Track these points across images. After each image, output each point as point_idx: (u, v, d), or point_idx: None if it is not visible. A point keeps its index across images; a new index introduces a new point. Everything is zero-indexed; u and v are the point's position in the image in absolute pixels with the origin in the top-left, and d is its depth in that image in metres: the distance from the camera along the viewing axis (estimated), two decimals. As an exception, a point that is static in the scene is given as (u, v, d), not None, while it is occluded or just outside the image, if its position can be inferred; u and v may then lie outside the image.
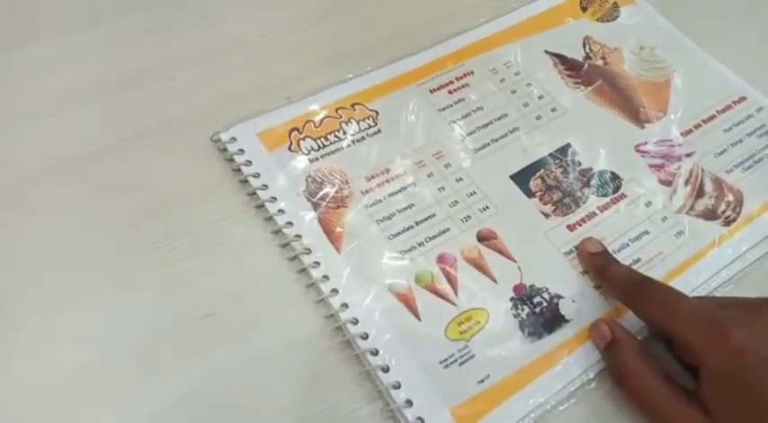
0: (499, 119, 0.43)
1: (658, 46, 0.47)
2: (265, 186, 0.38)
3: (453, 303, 0.35)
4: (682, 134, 0.43)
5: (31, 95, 0.41)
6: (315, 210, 0.38)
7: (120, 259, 0.36)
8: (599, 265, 0.37)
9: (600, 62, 0.46)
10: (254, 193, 0.38)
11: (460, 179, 0.40)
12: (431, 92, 0.43)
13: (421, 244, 0.37)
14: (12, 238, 0.36)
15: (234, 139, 0.39)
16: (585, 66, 0.46)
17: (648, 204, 0.40)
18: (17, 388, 0.32)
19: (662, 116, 0.44)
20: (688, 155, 0.42)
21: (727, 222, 0.40)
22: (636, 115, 0.44)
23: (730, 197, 0.41)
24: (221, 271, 0.36)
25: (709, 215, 0.40)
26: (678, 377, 0.32)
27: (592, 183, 0.41)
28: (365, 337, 0.33)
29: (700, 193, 0.41)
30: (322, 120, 0.41)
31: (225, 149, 0.39)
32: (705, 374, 0.30)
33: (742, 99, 0.45)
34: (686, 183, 0.41)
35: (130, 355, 0.33)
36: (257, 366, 0.33)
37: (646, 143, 0.42)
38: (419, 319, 0.34)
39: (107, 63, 0.43)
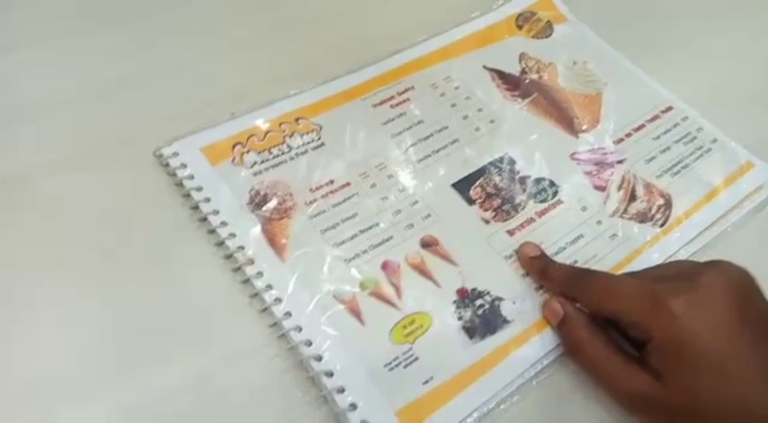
0: (440, 131, 0.44)
1: (590, 60, 0.49)
2: (208, 199, 0.38)
3: (397, 308, 0.36)
4: (614, 142, 0.45)
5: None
6: (259, 221, 0.38)
7: (65, 274, 0.35)
8: (539, 268, 0.38)
9: (535, 76, 0.48)
10: (198, 207, 0.38)
11: (403, 189, 0.41)
12: (373, 106, 0.44)
13: (365, 252, 0.38)
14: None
15: (176, 153, 0.40)
16: (522, 80, 0.48)
17: (584, 209, 0.42)
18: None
19: (595, 126, 0.46)
20: (620, 162, 0.44)
21: (658, 225, 0.41)
22: (570, 125, 0.46)
23: (660, 201, 0.42)
24: (166, 284, 0.35)
25: (642, 218, 0.42)
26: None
27: (530, 190, 0.42)
28: (309, 343, 0.34)
29: (632, 197, 0.43)
30: (265, 134, 0.42)
31: (167, 164, 0.39)
32: (653, 345, 0.32)
33: (669, 108, 0.47)
34: (619, 188, 0.43)
35: (76, 370, 0.32)
36: (204, 378, 0.33)
37: (580, 152, 0.44)
38: (363, 324, 0.35)
39: (49, 82, 0.43)
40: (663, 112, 0.47)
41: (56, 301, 0.34)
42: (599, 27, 0.51)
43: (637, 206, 0.42)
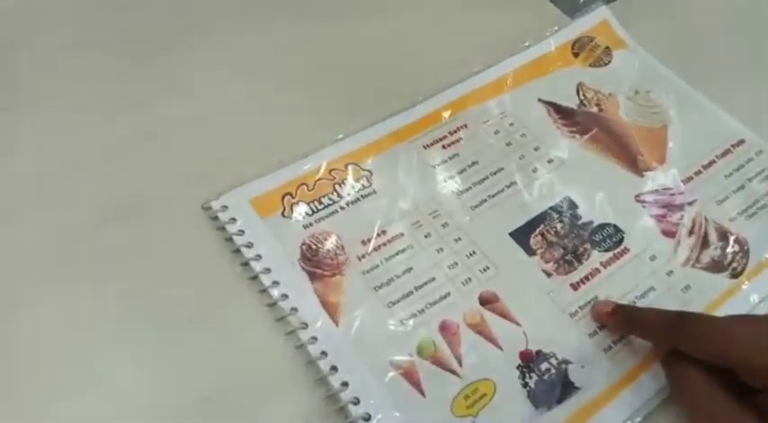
0: (495, 173, 0.42)
1: (653, 90, 0.46)
2: (259, 256, 0.37)
3: (458, 375, 0.34)
4: (682, 181, 0.42)
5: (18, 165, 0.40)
6: (311, 279, 0.36)
7: (113, 339, 0.34)
8: (625, 318, 0.36)
9: (595, 109, 0.45)
10: (248, 264, 0.37)
11: (459, 239, 0.39)
12: (424, 148, 0.43)
13: (422, 311, 0.36)
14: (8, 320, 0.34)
15: (225, 207, 0.38)
16: (580, 113, 0.45)
17: (653, 258, 0.39)
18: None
19: (661, 163, 0.43)
20: (690, 203, 0.41)
21: (734, 274, 0.39)
22: (634, 163, 0.43)
23: (736, 247, 0.40)
24: (216, 349, 0.34)
25: (716, 267, 0.39)
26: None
27: (594, 237, 0.40)
28: (367, 417, 0.32)
29: (704, 243, 0.40)
30: (315, 182, 0.40)
31: (217, 218, 0.38)
32: None
33: (741, 142, 0.44)
34: (690, 233, 0.40)
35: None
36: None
37: (645, 192, 0.42)
38: (424, 396, 0.33)
39: (92, 134, 0.42)
40: (734, 145, 0.44)
41: (106, 371, 0.33)
42: (662, 53, 0.48)
43: (710, 253, 0.39)
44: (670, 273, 0.38)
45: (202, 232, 0.38)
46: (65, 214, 0.38)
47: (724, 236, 0.40)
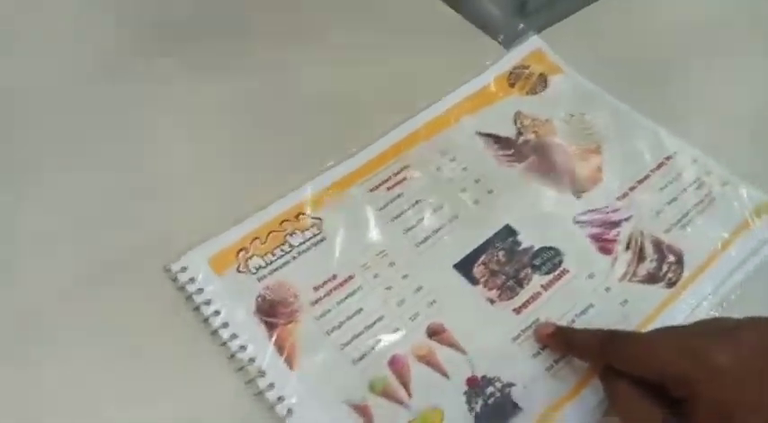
0: (437, 209, 0.44)
1: (588, 111, 0.49)
2: (218, 312, 0.39)
3: (407, 406, 0.36)
4: (618, 198, 0.44)
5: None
6: (267, 328, 0.39)
7: (84, 392, 0.37)
8: (563, 340, 0.38)
9: (532, 136, 0.48)
10: (208, 320, 0.39)
11: (406, 276, 0.41)
12: (370, 191, 0.45)
13: (372, 349, 0.38)
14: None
15: (185, 268, 0.41)
16: (518, 142, 0.47)
17: (591, 276, 0.41)
18: None
19: (597, 183, 0.45)
20: (626, 219, 0.43)
21: (670, 284, 0.40)
22: (572, 185, 0.45)
23: (671, 258, 0.41)
24: (182, 400, 0.37)
25: (652, 279, 0.41)
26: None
27: (534, 262, 0.42)
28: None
29: (641, 257, 0.42)
30: (267, 235, 0.43)
31: (176, 279, 0.41)
32: (697, 401, 0.31)
33: (674, 154, 0.46)
34: (626, 248, 0.42)
35: None
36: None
37: (583, 213, 0.44)
38: (382, 429, 0.36)
39: (51, 203, 0.45)
40: (668, 158, 0.46)
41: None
42: (596, 75, 0.50)
43: (646, 267, 0.41)
44: (608, 289, 0.40)
45: (166, 293, 0.41)
46: (33, 288, 0.41)
47: (659, 248, 0.42)
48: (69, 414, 0.37)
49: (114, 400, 0.37)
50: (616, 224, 0.43)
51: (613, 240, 0.42)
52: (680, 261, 0.41)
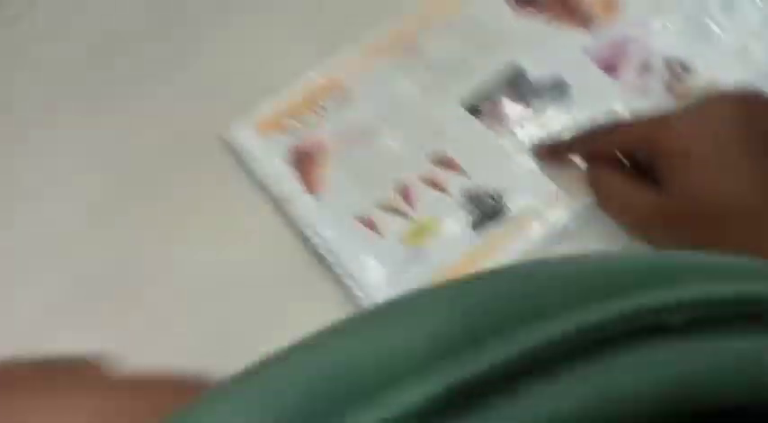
0: (455, 63, 0.47)
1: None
2: (260, 162, 0.47)
3: (408, 217, 0.41)
4: (632, 27, 0.44)
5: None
6: (299, 171, 0.45)
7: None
8: (555, 146, 0.41)
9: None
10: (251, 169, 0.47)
11: (420, 121, 0.45)
12: (395, 58, 0.49)
13: (383, 176, 0.43)
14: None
15: (235, 133, 0.49)
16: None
17: (596, 100, 0.42)
18: None
19: (610, 14, 0.45)
20: (637, 43, 0.43)
21: (679, 96, 0.40)
22: (583, 18, 0.46)
23: (678, 70, 0.41)
24: (221, 225, 0.45)
25: (659, 93, 0.41)
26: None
27: (541, 94, 0.44)
28: (338, 255, 0.40)
29: (647, 71, 0.42)
30: (303, 101, 0.49)
31: (229, 141, 0.49)
32: (658, 159, 0.34)
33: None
34: (635, 68, 0.42)
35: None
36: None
37: (592, 44, 0.44)
38: (382, 236, 0.40)
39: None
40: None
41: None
42: None
43: (655, 78, 0.41)
44: (611, 111, 0.41)
45: (220, 153, 0.49)
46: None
47: (668, 62, 0.42)
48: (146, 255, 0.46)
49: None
50: (625, 48, 0.43)
51: (620, 64, 0.43)
52: (688, 70, 0.41)
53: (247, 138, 0.48)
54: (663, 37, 0.43)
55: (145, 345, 0.39)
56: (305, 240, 0.42)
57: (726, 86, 0.37)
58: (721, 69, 0.40)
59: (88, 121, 0.52)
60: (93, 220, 0.47)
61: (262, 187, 0.46)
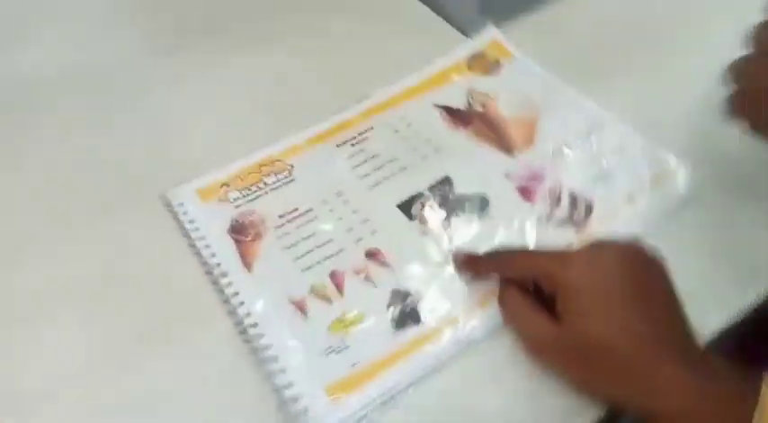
0: (391, 161, 0.52)
1: (532, 89, 0.56)
2: (198, 229, 0.49)
3: (337, 305, 0.44)
4: (546, 159, 0.51)
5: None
6: (236, 243, 0.48)
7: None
8: (473, 263, 0.45)
9: (479, 108, 0.55)
10: (189, 234, 0.49)
11: (356, 211, 0.49)
12: (337, 146, 0.54)
13: (318, 263, 0.46)
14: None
15: (177, 195, 0.51)
16: (466, 112, 0.55)
17: (510, 220, 0.48)
18: None
19: (530, 145, 0.52)
20: (551, 175, 0.50)
21: (578, 228, 0.47)
22: (507, 146, 0.52)
23: (582, 207, 0.48)
24: (158, 292, 0.46)
25: (563, 223, 0.47)
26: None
27: (465, 206, 0.49)
28: (262, 336, 0.42)
29: (556, 204, 0.48)
30: (248, 175, 0.52)
31: (169, 203, 0.50)
32: (559, 293, 0.38)
33: (601, 125, 0.53)
34: (546, 197, 0.49)
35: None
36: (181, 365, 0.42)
37: (514, 170, 0.51)
38: (306, 318, 0.43)
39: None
40: (597, 128, 0.53)
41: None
42: (545, 62, 0.58)
43: (561, 212, 0.48)
44: (522, 230, 0.47)
45: (159, 213, 0.50)
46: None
47: (574, 198, 0.49)
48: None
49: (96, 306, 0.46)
50: (541, 178, 0.50)
51: (535, 190, 0.49)
52: (590, 210, 0.48)
53: (189, 200, 0.50)
54: (571, 173, 0.50)
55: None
56: (230, 312, 0.45)
57: (615, 234, 0.44)
58: (613, 213, 0.48)
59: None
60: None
61: (195, 252, 0.48)
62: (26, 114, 0.58)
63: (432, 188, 0.50)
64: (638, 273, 0.38)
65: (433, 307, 0.44)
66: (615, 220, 0.47)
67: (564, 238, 0.47)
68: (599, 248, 0.40)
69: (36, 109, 0.59)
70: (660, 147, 0.51)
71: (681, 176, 0.49)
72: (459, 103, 0.56)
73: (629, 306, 0.37)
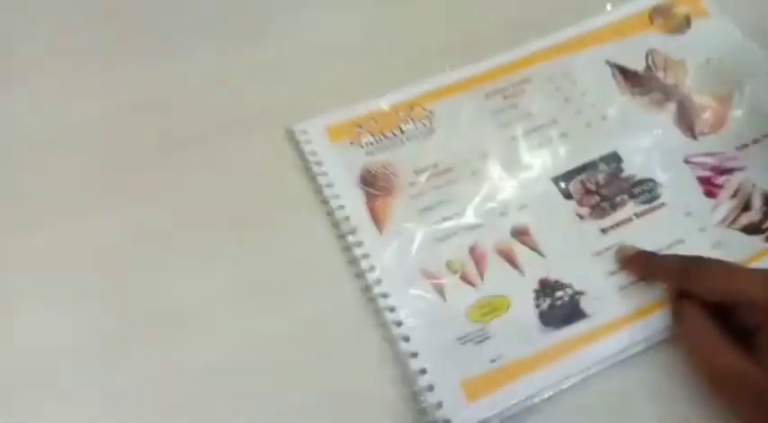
0: (549, 124, 0.45)
1: (727, 59, 0.47)
2: (326, 173, 0.43)
3: (477, 288, 0.39)
4: (737, 148, 0.43)
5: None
6: (366, 197, 0.42)
7: (198, 235, 0.42)
8: (643, 261, 0.39)
9: (661, 74, 0.47)
10: (316, 179, 0.43)
11: (502, 178, 0.43)
12: (486, 97, 0.46)
13: (455, 234, 0.41)
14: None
15: (305, 131, 0.45)
16: (645, 77, 0.47)
17: (688, 214, 0.41)
18: None
19: (718, 129, 0.44)
20: (740, 169, 0.42)
21: (769, 238, 0.40)
22: (690, 127, 0.44)
23: (778, 213, 0.40)
24: (279, 245, 0.41)
25: (752, 230, 0.40)
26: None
27: (633, 190, 0.42)
28: (393, 309, 0.38)
29: (745, 207, 0.41)
30: (382, 118, 0.46)
31: (295, 139, 0.45)
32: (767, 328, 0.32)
33: (811, 116, 0.44)
34: (733, 196, 0.41)
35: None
36: (297, 328, 0.38)
37: (695, 155, 0.43)
38: (444, 300, 0.38)
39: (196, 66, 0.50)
40: (802, 118, 0.44)
41: (188, 257, 0.42)
42: (743, 18, 0.48)
43: (750, 217, 0.40)
44: (702, 229, 0.40)
45: (284, 150, 0.45)
46: (177, 130, 0.47)
47: (767, 202, 0.41)
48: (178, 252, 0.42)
49: (221, 244, 0.42)
50: (728, 171, 0.42)
51: (720, 186, 0.42)
52: (790, 219, 0.40)
53: (318, 138, 0.45)
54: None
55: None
56: (357, 275, 0.40)
57: None
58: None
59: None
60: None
61: (322, 199, 0.43)
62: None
63: (595, 164, 0.43)
64: None
65: (587, 305, 0.38)
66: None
67: (750, 248, 0.39)
68: None
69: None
70: None
71: None
72: (636, 64, 0.47)
73: None
